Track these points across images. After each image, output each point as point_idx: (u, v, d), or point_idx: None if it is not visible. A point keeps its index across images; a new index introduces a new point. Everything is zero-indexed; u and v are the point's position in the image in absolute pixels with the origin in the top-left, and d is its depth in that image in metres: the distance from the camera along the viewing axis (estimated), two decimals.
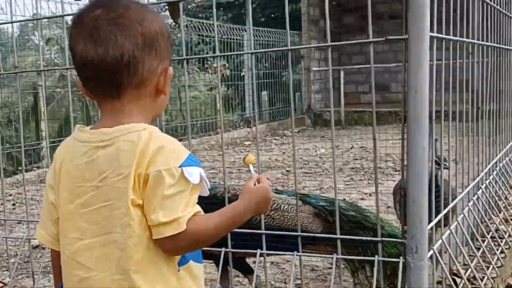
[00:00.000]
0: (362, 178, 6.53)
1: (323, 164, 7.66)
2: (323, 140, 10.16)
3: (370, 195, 5.42)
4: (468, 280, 2.80)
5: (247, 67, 10.92)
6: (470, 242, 3.13)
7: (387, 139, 8.67)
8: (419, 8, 2.15)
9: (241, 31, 11.93)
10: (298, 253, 2.47)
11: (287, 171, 7.31)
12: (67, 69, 3.01)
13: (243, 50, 11.43)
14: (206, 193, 1.37)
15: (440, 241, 2.57)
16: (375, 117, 2.36)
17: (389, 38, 2.30)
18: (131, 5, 1.35)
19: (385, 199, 5.29)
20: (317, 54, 12.52)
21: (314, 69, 12.38)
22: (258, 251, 2.50)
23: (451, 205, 2.85)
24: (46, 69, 5.31)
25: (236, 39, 11.83)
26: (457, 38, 2.62)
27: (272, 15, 14.79)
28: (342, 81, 11.77)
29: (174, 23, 2.59)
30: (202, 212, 1.33)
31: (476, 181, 3.44)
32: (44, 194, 1.45)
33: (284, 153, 9.10)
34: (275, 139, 10.69)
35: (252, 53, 2.50)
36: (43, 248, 3.84)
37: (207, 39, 11.38)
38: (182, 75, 11.64)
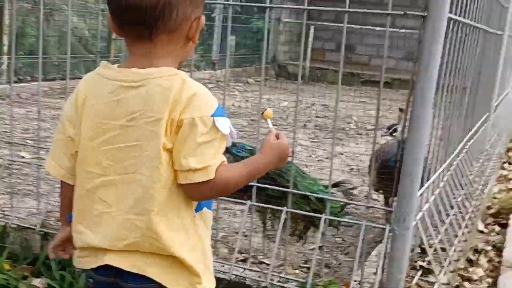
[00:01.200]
0: (326, 136, 6.64)
1: (286, 117, 7.72)
2: (285, 92, 10.21)
3: (336, 155, 5.54)
4: (435, 250, 2.96)
5: (219, 9, 10.70)
6: (436, 215, 3.29)
7: (348, 101, 8.83)
8: None
9: None
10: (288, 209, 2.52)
11: (252, 120, 7.35)
12: None
13: None
14: (229, 144, 1.41)
15: (421, 213, 2.70)
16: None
17: (407, 13, 2.33)
18: None
19: (349, 162, 5.44)
20: (289, 3, 12.37)
21: (285, 20, 12.28)
22: (248, 203, 2.54)
23: (432, 178, 2.98)
24: None
25: None
26: (470, 21, 2.67)
27: None
28: (311, 36, 11.76)
29: None
30: (226, 162, 1.38)
31: (451, 157, 3.60)
32: (60, 127, 1.44)
33: (247, 101, 9.11)
34: (238, 85, 10.66)
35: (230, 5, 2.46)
36: (8, 167, 3.77)
37: None
38: None
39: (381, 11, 2.43)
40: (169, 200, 1.35)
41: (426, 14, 2.23)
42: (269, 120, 1.62)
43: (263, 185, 2.63)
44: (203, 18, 1.41)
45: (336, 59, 10.70)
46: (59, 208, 1.64)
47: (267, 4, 2.77)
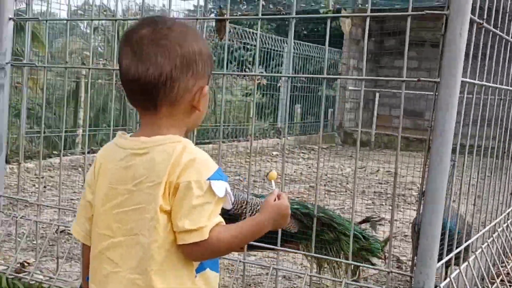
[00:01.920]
0: (384, 203, 6.57)
1: (347, 184, 7.70)
2: (350, 159, 10.19)
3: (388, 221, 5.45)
4: None
5: (284, 80, 11.02)
6: (478, 284, 3.18)
7: (414, 167, 8.70)
8: (454, 55, 2.24)
9: (282, 42, 12.06)
10: (309, 274, 2.56)
11: (310, 186, 7.39)
12: (113, 70, 3.18)
13: (282, 61, 11.56)
14: (229, 206, 1.46)
15: (448, 280, 2.64)
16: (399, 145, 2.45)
17: (421, 80, 2.39)
18: (174, 26, 1.45)
19: (402, 227, 5.34)
20: (354, 73, 12.56)
21: (350, 88, 12.42)
22: (272, 267, 2.61)
23: (464, 244, 2.91)
24: (93, 68, 5.49)
25: (277, 50, 11.97)
26: (489, 84, 2.69)
27: (315, 29, 14.88)
28: (376, 103, 11.79)
29: (219, 39, 2.71)
30: (224, 223, 1.43)
31: (494, 222, 3.49)
32: (83, 193, 1.57)
33: (310, 167, 9.17)
34: (302, 152, 10.77)
35: (288, 77, 2.60)
36: (69, 234, 4.01)
37: (248, 46, 11.53)
38: (219, 78, 11.96)
39: (396, 79, 2.49)
40: (167, 260, 1.40)
41: (439, 80, 2.28)
42: (273, 181, 1.68)
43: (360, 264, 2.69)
44: (206, 88, 1.49)
45: (403, 125, 10.55)
46: None
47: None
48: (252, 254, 3.92)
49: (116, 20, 2.96)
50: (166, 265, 1.41)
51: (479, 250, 3.11)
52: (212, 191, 1.38)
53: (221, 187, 1.40)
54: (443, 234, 2.80)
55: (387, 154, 10.17)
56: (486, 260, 3.35)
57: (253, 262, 3.52)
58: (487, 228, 3.36)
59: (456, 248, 2.76)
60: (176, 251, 1.41)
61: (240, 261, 2.61)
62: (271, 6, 10.79)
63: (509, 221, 3.89)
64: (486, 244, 3.23)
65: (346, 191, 7.11)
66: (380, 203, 6.63)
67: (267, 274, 3.60)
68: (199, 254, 1.42)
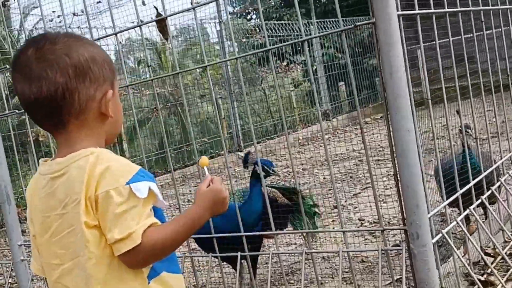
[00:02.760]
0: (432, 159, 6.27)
1: None
2: None
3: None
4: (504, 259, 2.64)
5: (318, 61, 10.83)
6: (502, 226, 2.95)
7: (465, 114, 8.28)
8: None
9: (309, 25, 11.87)
10: (344, 250, 2.45)
11: (359, 160, 7.21)
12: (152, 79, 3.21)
13: (312, 47, 11.39)
14: (162, 205, 1.42)
15: (453, 223, 2.46)
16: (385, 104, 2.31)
17: (357, 25, 2.26)
18: (58, 39, 1.41)
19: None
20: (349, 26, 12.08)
21: None
22: (304, 250, 2.56)
23: (472, 182, 2.71)
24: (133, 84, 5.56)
25: (309, 34, 11.79)
26: (426, 10, 2.50)
27: (343, 3, 14.51)
28: (420, 59, 11.30)
29: (165, 39, 2.67)
30: (159, 223, 1.38)
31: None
32: (30, 228, 1.54)
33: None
34: (355, 128, 10.52)
35: (269, 49, 2.53)
36: None
37: (283, 38, 11.44)
38: (264, 78, 12.00)
39: (334, 31, 2.37)
40: (110, 275, 1.36)
41: (374, 20, 2.14)
42: (205, 168, 1.62)
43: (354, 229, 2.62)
44: (109, 92, 1.44)
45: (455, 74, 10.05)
46: None
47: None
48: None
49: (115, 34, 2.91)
50: (111, 281, 1.38)
51: (501, 183, 2.88)
52: (134, 194, 1.33)
53: (143, 188, 1.35)
54: (448, 175, 2.64)
55: (441, 107, 9.72)
56: None
57: (285, 252, 3.42)
58: (507, 156, 3.12)
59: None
60: (119, 263, 1.37)
61: (272, 253, 2.55)
62: None
63: None
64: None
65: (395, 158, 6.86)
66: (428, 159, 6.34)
67: (295, 263, 3.53)
68: (138, 261, 1.37)
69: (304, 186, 6.38)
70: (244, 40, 11.11)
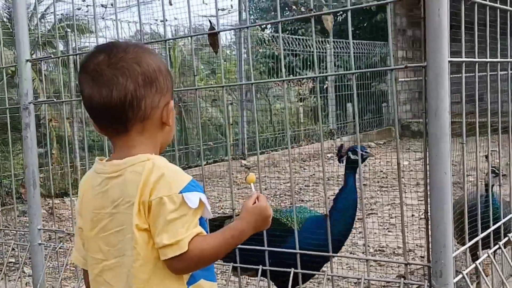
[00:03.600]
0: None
1: (402, 178, 7.53)
2: (408, 152, 9.96)
3: None
4: None
5: (330, 80, 10.94)
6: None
7: (472, 151, 8.40)
8: (436, 34, 2.18)
9: (325, 43, 12.00)
10: (366, 278, 2.50)
11: (363, 185, 7.27)
12: None
13: (326, 63, 11.51)
14: (209, 215, 1.50)
15: (473, 265, 2.54)
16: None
17: (408, 66, 2.35)
18: (129, 48, 1.50)
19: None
20: (400, 65, 12.30)
21: (401, 79, 12.16)
22: (326, 272, 2.61)
23: (493, 227, 2.80)
24: None
25: (323, 53, 11.93)
26: (477, 59, 2.60)
27: (359, 25, 14.69)
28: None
29: (215, 53, 2.76)
30: (204, 233, 1.45)
31: None
32: (76, 220, 1.63)
33: (365, 165, 9.04)
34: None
35: (316, 77, 2.65)
36: None
37: (296, 52, 11.56)
38: (270, 88, 12.15)
39: (384, 68, 2.45)
40: (153, 277, 1.44)
41: (425, 64, 2.23)
42: (252, 184, 1.68)
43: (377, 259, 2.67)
44: (171, 103, 1.54)
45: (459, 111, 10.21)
46: None
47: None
48: None
49: (165, 40, 3.01)
50: (153, 282, 1.45)
51: None
52: (186, 203, 1.40)
53: (194, 199, 1.42)
54: (470, 217, 2.72)
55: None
56: None
57: (341, 275, 3.43)
58: None
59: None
60: (163, 267, 1.44)
61: (365, 279, 2.56)
62: (302, 9, 10.75)
63: None
64: None
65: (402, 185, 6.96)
66: None
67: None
68: (182, 267, 1.44)
69: (308, 204, 6.46)
70: (260, 50, 11.18)
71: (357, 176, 3.00)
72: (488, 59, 2.76)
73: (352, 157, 2.99)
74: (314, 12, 2.53)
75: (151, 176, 1.42)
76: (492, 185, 3.15)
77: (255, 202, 1.55)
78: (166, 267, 1.44)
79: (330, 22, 2.52)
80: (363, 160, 2.99)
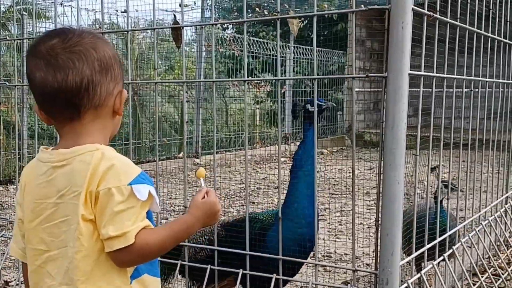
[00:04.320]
0: None
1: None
2: (359, 161, 10.11)
3: None
4: None
5: (288, 85, 11.02)
6: (467, 275, 3.13)
7: (424, 165, 8.61)
8: (398, 49, 2.22)
9: (286, 48, 12.08)
10: (314, 282, 2.52)
11: None
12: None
13: (285, 67, 11.59)
14: (157, 209, 1.47)
15: (418, 275, 2.60)
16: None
17: (370, 75, 2.38)
18: (84, 34, 1.47)
19: None
20: (360, 74, 12.50)
21: (357, 89, 12.34)
22: (274, 276, 2.58)
23: (439, 238, 2.87)
24: None
25: (283, 56, 12.00)
26: (436, 74, 2.67)
27: (320, 33, 14.82)
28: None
29: (177, 47, 2.73)
30: (151, 226, 1.43)
31: (480, 213, 3.44)
32: (16, 212, 1.57)
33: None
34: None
35: (279, 80, 2.66)
36: None
37: (256, 54, 11.59)
38: (228, 88, 12.16)
39: (346, 76, 2.49)
40: (96, 269, 1.41)
41: (386, 75, 2.27)
42: (201, 179, 1.67)
43: (323, 264, 2.67)
44: (125, 91, 1.52)
45: (413, 124, 10.48)
46: None
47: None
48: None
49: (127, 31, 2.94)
50: (95, 274, 1.42)
51: (464, 239, 3.06)
52: (135, 195, 1.38)
53: (144, 191, 1.40)
54: (417, 228, 2.78)
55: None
56: (477, 252, 3.32)
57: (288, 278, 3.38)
58: (468, 220, 3.31)
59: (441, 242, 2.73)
60: (106, 259, 1.41)
61: (312, 283, 2.54)
62: (266, 12, 10.80)
63: (501, 210, 3.83)
64: (470, 236, 3.18)
65: (349, 194, 7.06)
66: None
67: None
68: (127, 260, 1.42)
69: (259, 207, 6.48)
70: (220, 49, 11.16)
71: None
72: (446, 75, 2.83)
73: (311, 108, 2.92)
74: (279, 15, 2.54)
75: (100, 166, 1.39)
76: (441, 199, 3.22)
77: (204, 197, 1.54)
78: (110, 260, 1.42)
79: (296, 25, 2.53)
80: (322, 111, 2.95)
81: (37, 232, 1.46)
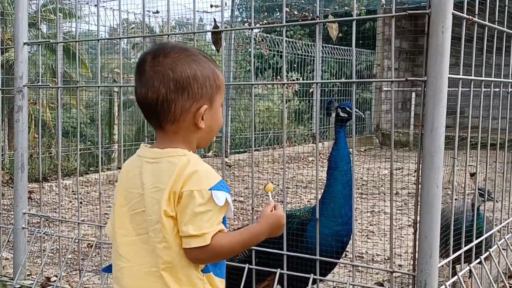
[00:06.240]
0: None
1: (381, 186, 7.63)
2: (387, 161, 10.07)
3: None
4: None
5: (316, 85, 11.00)
6: (503, 277, 3.12)
7: (458, 166, 8.52)
8: (438, 52, 2.24)
9: (314, 47, 12.08)
10: (351, 283, 2.56)
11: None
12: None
13: (313, 66, 11.58)
14: (231, 215, 1.60)
15: (455, 277, 2.61)
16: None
17: (409, 79, 2.40)
18: (170, 53, 1.61)
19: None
20: (389, 73, 12.42)
21: (385, 89, 12.29)
22: (311, 276, 2.64)
23: (476, 241, 2.87)
24: (124, 85, 5.66)
25: (311, 56, 12.02)
26: (473, 77, 2.67)
27: (347, 32, 14.78)
28: (413, 102, 11.63)
29: (217, 50, 2.81)
30: (225, 230, 1.56)
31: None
32: (114, 197, 1.75)
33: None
34: None
35: (317, 83, 2.75)
36: (98, 248, 4.15)
37: (281, 54, 11.62)
38: (255, 88, 12.22)
39: (384, 79, 2.51)
40: (176, 260, 1.55)
41: (425, 78, 2.29)
42: (269, 193, 1.81)
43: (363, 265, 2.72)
44: (203, 107, 1.60)
45: (448, 124, 10.39)
46: None
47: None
48: None
49: (144, 37, 2.99)
50: (175, 264, 1.55)
51: (501, 242, 3.05)
52: (213, 200, 1.52)
53: (221, 197, 1.53)
54: (455, 230, 2.79)
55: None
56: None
57: (326, 279, 3.41)
58: (504, 223, 3.30)
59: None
60: (184, 253, 1.55)
61: (350, 284, 2.57)
62: (295, 12, 10.81)
63: None
64: (506, 238, 3.17)
65: (379, 194, 7.06)
66: (413, 203, 6.54)
67: None
68: (201, 258, 1.55)
69: (288, 206, 6.51)
70: (249, 49, 11.20)
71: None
72: (484, 78, 2.83)
73: (341, 114, 3.07)
74: (319, 19, 2.57)
75: (186, 170, 1.53)
76: (478, 206, 3.22)
77: (271, 210, 1.67)
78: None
79: (334, 30, 2.56)
80: (350, 118, 3.03)
81: (123, 217, 1.63)
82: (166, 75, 1.57)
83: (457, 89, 2.59)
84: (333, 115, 3.17)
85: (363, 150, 11.66)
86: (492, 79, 2.97)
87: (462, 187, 3.75)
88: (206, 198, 1.51)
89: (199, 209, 1.50)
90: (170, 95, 1.57)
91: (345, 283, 2.50)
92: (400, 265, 4.18)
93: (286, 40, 11.33)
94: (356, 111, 2.94)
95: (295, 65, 12.18)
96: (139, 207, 1.58)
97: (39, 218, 3.75)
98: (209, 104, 1.63)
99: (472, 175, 3.48)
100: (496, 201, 3.43)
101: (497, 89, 3.19)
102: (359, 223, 5.53)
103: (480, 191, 3.25)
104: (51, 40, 4.45)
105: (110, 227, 1.73)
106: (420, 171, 2.36)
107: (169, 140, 1.62)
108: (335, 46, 12.55)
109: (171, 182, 1.52)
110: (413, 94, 11.78)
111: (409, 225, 5.16)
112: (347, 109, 3.05)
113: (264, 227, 1.63)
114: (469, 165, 3.18)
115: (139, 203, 1.58)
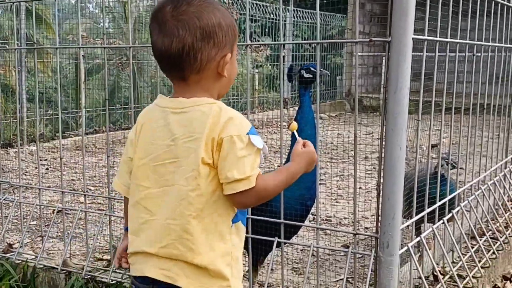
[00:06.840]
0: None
1: (351, 151, 7.67)
2: (359, 126, 10.11)
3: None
4: (452, 277, 2.86)
5: (287, 49, 10.94)
6: (466, 238, 3.17)
7: (423, 129, 8.61)
8: (403, 10, 2.21)
9: (286, 11, 11.95)
10: (315, 246, 2.57)
11: None
12: (104, 47, 3.24)
13: (286, 31, 11.48)
14: (263, 159, 1.61)
15: (417, 238, 2.64)
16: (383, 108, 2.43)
17: (373, 40, 2.37)
18: (192, 1, 1.58)
19: None
20: (361, 38, 12.40)
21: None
22: (276, 239, 2.63)
23: (439, 203, 2.90)
24: (84, 46, 5.54)
25: (283, 20, 11.89)
26: (439, 38, 2.65)
27: None
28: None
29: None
30: (261, 173, 1.57)
31: (479, 178, 3.47)
32: (124, 150, 1.72)
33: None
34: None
35: (281, 44, 2.66)
36: (66, 213, 4.09)
37: (255, 18, 11.48)
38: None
39: (349, 40, 2.47)
40: (207, 208, 1.56)
41: (390, 39, 2.26)
42: (295, 132, 1.83)
43: (328, 228, 2.70)
44: (228, 56, 1.61)
45: (413, 88, 10.42)
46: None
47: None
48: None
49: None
50: (205, 213, 1.56)
51: (459, 208, 3.09)
52: (252, 143, 1.54)
53: (258, 140, 1.56)
54: (419, 192, 2.81)
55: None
56: (476, 216, 3.36)
57: (289, 242, 3.40)
58: (468, 185, 3.33)
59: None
60: (216, 201, 1.57)
61: (314, 246, 2.56)
62: None
63: (501, 174, 3.86)
64: (472, 197, 3.21)
65: (348, 158, 7.09)
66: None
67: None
68: (246, 201, 1.57)
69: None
70: None
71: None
72: (449, 39, 2.81)
73: (306, 75, 2.96)
74: None
75: (221, 118, 1.54)
76: (442, 165, 3.23)
77: (301, 148, 1.69)
78: (221, 203, 1.56)
79: None
80: (314, 78, 2.93)
81: (144, 169, 1.61)
82: (192, 23, 1.55)
83: (423, 54, 2.56)
84: (296, 80, 3.07)
85: (334, 115, 11.68)
86: (458, 40, 2.95)
87: (424, 149, 3.78)
88: (245, 142, 1.52)
89: (241, 153, 1.51)
90: (197, 44, 1.55)
91: (309, 246, 2.50)
92: (366, 228, 4.22)
93: (258, 4, 11.21)
94: (321, 70, 2.86)
95: (266, 30, 12.07)
96: (166, 158, 1.57)
97: (4, 184, 3.66)
98: (231, 52, 1.62)
99: (434, 146, 3.50)
100: (461, 168, 3.46)
101: (463, 54, 3.18)
102: (328, 187, 5.56)
103: (444, 159, 3.26)
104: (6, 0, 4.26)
105: (120, 183, 1.73)
106: (383, 133, 2.35)
107: (193, 90, 1.61)
108: (307, 11, 12.43)
109: (207, 130, 1.52)
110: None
111: (368, 190, 5.21)
112: (312, 69, 2.96)
113: (301, 165, 1.66)
114: (436, 129, 3.20)
115: (165, 154, 1.57)
